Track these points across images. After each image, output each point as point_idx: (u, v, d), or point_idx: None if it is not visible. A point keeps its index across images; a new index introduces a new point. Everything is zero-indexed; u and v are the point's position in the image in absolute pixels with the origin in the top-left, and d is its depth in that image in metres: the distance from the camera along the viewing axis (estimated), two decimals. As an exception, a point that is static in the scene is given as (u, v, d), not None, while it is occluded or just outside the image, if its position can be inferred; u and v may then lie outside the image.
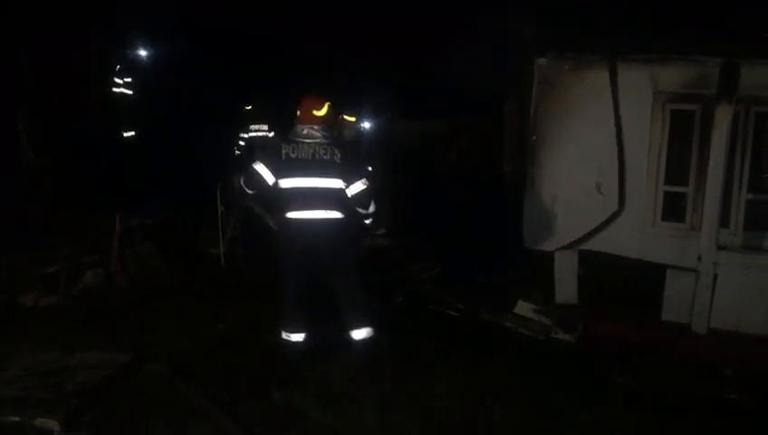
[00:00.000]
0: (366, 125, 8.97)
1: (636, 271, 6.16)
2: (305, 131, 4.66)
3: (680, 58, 6.08)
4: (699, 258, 5.91)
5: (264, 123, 9.37)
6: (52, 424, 3.78)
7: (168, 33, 9.86)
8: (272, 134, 9.38)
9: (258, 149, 7.21)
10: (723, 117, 5.75)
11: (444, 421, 4.17)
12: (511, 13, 7.51)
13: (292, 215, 4.64)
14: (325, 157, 4.61)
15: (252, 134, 9.35)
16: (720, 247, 5.90)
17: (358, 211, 4.89)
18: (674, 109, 6.27)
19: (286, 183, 4.64)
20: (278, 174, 4.65)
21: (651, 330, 5.96)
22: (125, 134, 9.33)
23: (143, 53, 9.68)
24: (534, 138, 6.60)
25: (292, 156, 4.61)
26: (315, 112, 4.69)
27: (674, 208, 6.37)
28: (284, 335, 4.88)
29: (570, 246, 6.51)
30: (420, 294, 6.79)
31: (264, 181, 4.68)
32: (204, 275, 7.21)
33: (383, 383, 4.61)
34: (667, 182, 6.36)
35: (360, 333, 4.83)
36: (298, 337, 4.85)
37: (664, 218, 6.38)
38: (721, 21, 6.16)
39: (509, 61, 7.54)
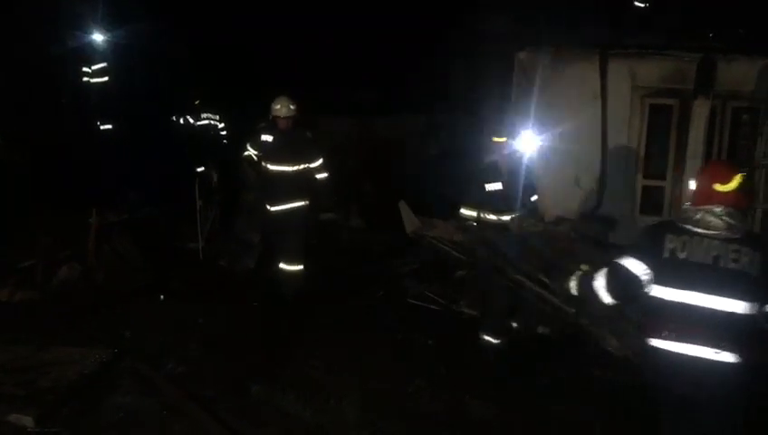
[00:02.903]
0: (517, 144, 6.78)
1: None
2: (700, 216, 2.97)
3: (658, 54, 6.14)
4: (676, 252, 5.96)
5: (216, 114, 9.40)
6: (27, 420, 3.72)
7: (129, 16, 9.67)
8: (222, 125, 9.43)
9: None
10: (700, 112, 5.83)
11: (424, 417, 4.17)
12: (492, 8, 7.53)
13: (672, 347, 2.98)
14: (733, 265, 2.90)
15: (202, 122, 9.35)
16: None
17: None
18: (653, 103, 6.32)
19: (670, 294, 2.99)
20: (658, 279, 3.02)
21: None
22: (102, 127, 9.18)
23: (102, 37, 9.44)
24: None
25: (681, 256, 2.95)
26: (718, 187, 2.96)
27: (652, 202, 6.42)
28: None
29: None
30: (401, 288, 6.77)
31: (641, 286, 3.05)
32: (182, 271, 7.13)
33: (363, 378, 4.60)
34: (646, 176, 6.41)
35: None
36: None
37: (642, 212, 6.43)
38: (699, 18, 6.23)
39: (491, 57, 7.56)
